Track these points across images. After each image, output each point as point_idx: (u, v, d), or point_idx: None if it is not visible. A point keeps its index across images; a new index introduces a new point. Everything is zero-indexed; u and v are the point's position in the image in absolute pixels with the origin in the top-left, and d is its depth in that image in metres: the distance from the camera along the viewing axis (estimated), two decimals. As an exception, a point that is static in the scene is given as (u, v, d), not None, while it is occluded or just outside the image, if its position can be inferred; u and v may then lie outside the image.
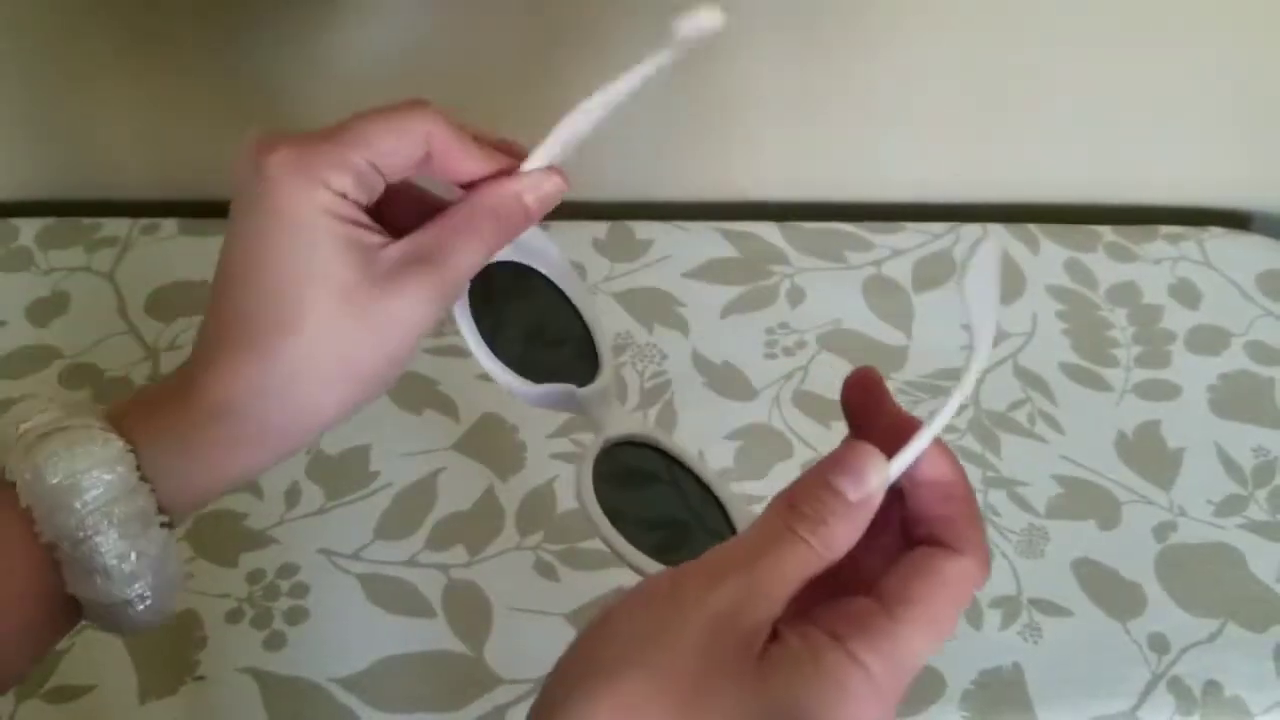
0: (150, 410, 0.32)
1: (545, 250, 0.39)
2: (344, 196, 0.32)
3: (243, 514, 0.57)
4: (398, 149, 0.33)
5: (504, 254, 0.35)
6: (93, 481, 0.29)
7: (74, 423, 0.31)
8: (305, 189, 0.31)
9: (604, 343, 0.38)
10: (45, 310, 0.67)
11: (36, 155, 0.75)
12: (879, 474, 0.28)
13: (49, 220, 0.73)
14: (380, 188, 0.33)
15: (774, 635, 0.27)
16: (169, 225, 0.73)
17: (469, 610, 0.54)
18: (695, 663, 0.25)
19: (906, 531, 0.29)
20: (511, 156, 0.35)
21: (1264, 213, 0.83)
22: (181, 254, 0.72)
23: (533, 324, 0.39)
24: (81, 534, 0.29)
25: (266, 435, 0.32)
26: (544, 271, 0.39)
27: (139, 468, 0.31)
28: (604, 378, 0.38)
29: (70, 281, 0.69)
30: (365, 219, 0.32)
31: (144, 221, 0.73)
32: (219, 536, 0.56)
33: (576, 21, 0.69)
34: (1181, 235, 0.78)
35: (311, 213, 0.31)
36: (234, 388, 0.32)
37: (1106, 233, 0.77)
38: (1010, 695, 0.53)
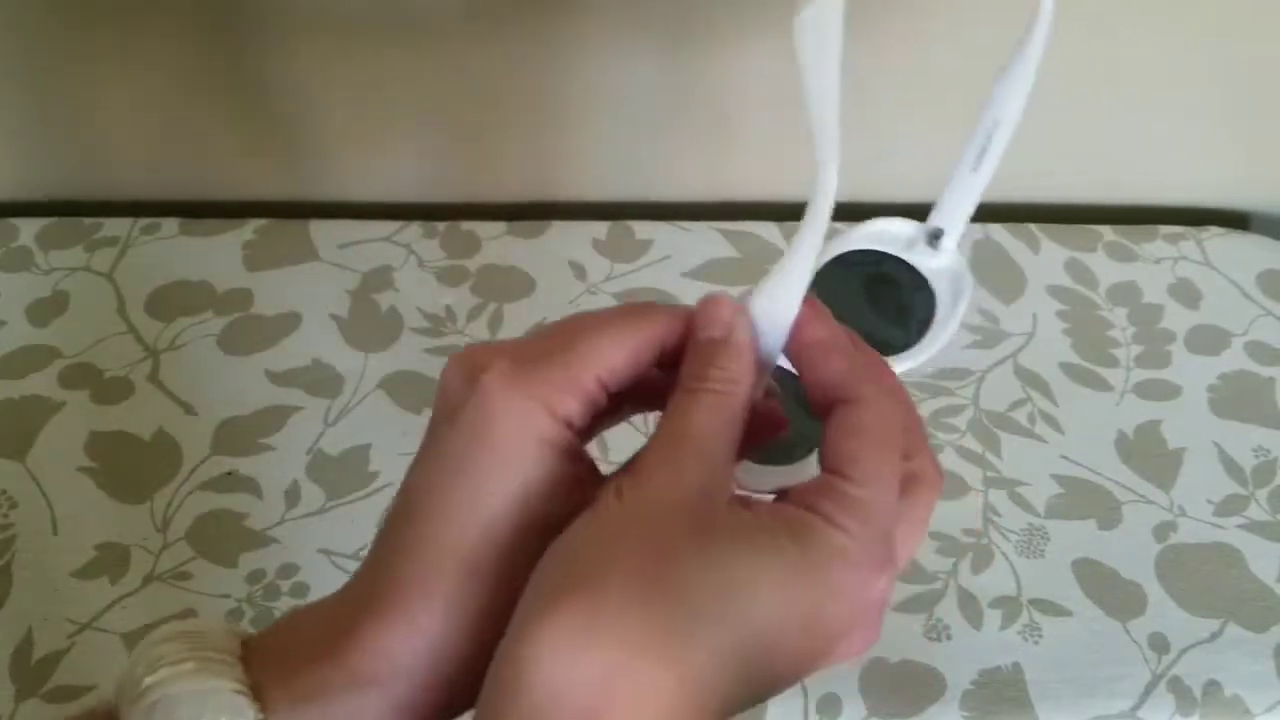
0: (293, 668, 0.27)
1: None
2: (569, 425, 0.27)
3: (243, 514, 0.57)
4: (631, 364, 0.28)
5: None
6: None
7: (204, 685, 0.26)
8: (526, 412, 0.26)
9: None
10: (45, 310, 0.67)
11: (36, 155, 0.75)
12: (729, 307, 0.29)
13: (49, 220, 0.73)
14: (604, 404, 0.28)
15: (746, 507, 0.26)
16: (169, 225, 0.73)
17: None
18: (643, 557, 0.24)
19: (817, 412, 0.29)
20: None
21: (1264, 213, 0.83)
22: (181, 254, 0.72)
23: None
24: None
25: (415, 708, 0.27)
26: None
27: None
28: None
29: (70, 281, 0.69)
30: (585, 452, 0.28)
31: (144, 221, 0.73)
32: (219, 536, 0.56)
33: (576, 35, 0.69)
34: (1181, 235, 0.78)
35: (529, 441, 0.26)
36: (395, 651, 0.26)
37: (1106, 232, 0.77)
38: (1010, 695, 0.53)
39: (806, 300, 0.29)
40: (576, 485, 0.27)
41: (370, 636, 0.26)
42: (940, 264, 0.37)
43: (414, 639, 0.26)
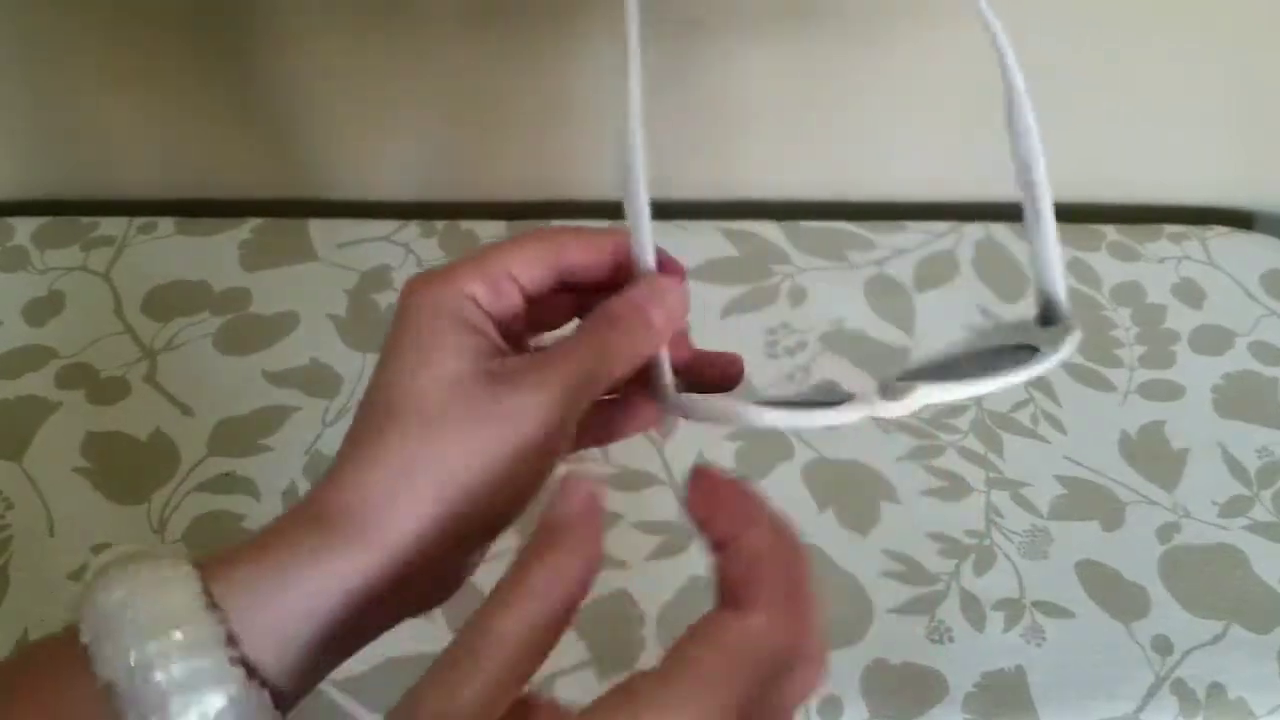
0: (260, 542, 0.29)
1: None
2: (473, 300, 0.31)
3: (241, 514, 0.57)
4: (537, 269, 0.33)
5: None
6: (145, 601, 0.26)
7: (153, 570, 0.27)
8: (434, 291, 0.31)
9: None
10: (41, 310, 0.67)
11: (32, 154, 0.75)
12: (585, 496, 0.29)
13: (45, 219, 0.73)
14: (517, 299, 0.32)
15: None
16: (166, 224, 0.73)
17: (469, 611, 0.53)
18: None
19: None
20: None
21: (1268, 212, 0.82)
22: (179, 253, 0.71)
23: None
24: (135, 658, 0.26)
25: (351, 537, 0.29)
26: None
27: (208, 592, 0.27)
28: None
29: (66, 281, 0.69)
30: (493, 329, 0.32)
31: (141, 220, 0.73)
32: (217, 537, 0.56)
33: (576, 35, 0.69)
34: (1185, 234, 0.77)
35: (436, 310, 0.31)
36: (330, 496, 0.29)
37: (1110, 232, 0.77)
38: (1013, 698, 0.52)
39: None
40: (496, 352, 0.31)
41: (350, 482, 0.29)
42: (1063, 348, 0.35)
43: (352, 476, 0.29)
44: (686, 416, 0.33)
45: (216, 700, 0.26)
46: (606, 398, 0.34)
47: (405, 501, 0.29)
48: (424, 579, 0.30)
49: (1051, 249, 0.35)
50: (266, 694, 0.27)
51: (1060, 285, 0.36)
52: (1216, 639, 0.55)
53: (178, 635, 0.26)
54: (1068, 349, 0.34)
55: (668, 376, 0.33)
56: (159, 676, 0.25)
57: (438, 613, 0.53)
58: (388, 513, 0.29)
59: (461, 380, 0.29)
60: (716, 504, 0.28)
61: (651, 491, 0.59)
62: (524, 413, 0.29)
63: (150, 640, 0.26)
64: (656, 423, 0.36)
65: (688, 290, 0.34)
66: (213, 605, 0.27)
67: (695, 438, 0.62)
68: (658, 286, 0.33)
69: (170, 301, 0.68)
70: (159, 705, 0.25)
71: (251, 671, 0.27)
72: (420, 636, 0.54)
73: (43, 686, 0.26)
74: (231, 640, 0.27)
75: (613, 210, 0.85)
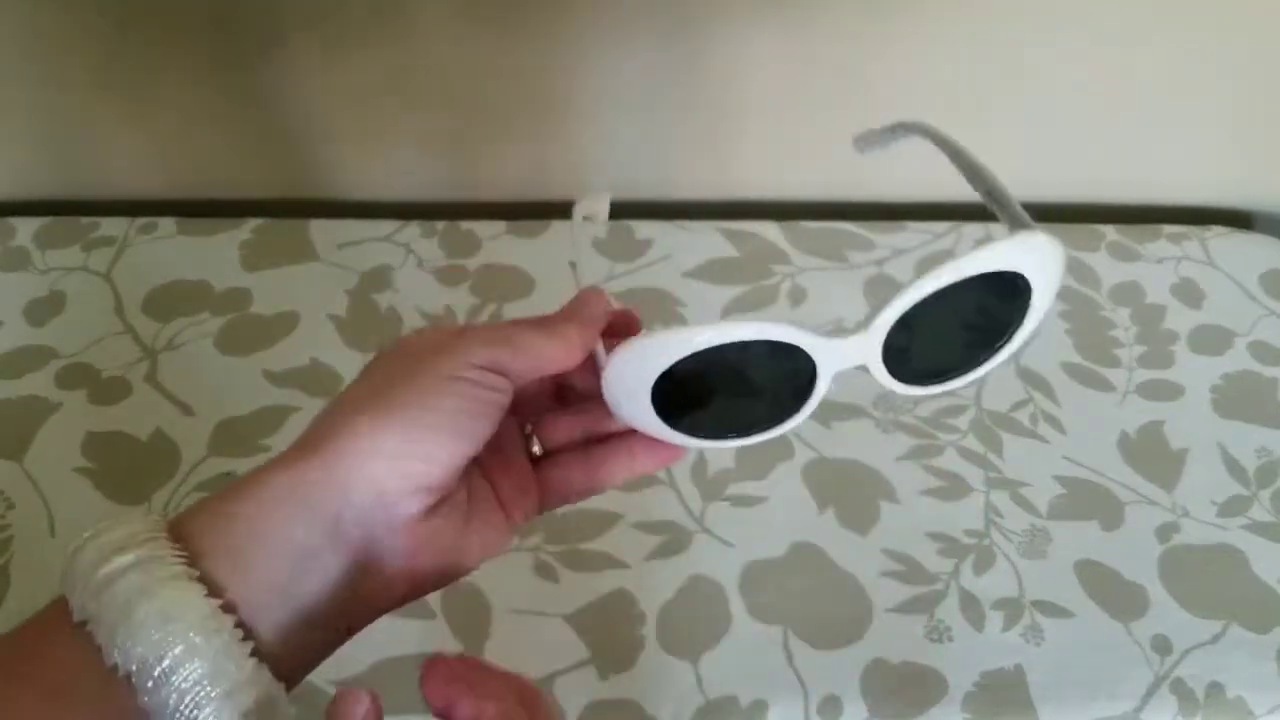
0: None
1: None
2: (471, 363, 0.31)
3: (241, 515, 0.57)
4: (531, 367, 0.32)
5: None
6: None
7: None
8: (439, 340, 0.31)
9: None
10: (42, 310, 0.67)
11: (34, 154, 0.75)
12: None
13: (46, 219, 0.73)
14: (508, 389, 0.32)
15: None
16: (167, 224, 0.73)
17: (469, 611, 0.54)
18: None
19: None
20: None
21: (1267, 212, 0.82)
22: (179, 253, 0.71)
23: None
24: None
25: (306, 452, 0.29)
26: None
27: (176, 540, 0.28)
28: None
29: (67, 281, 0.69)
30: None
31: (141, 221, 0.73)
32: (217, 537, 0.56)
33: (576, 36, 0.69)
34: (1184, 235, 0.77)
35: (437, 351, 0.31)
36: (375, 430, 0.29)
37: (1109, 232, 0.77)
38: (1012, 697, 0.52)
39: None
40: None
41: (347, 424, 0.29)
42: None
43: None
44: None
45: (242, 699, 0.26)
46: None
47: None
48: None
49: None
50: (265, 669, 0.28)
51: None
52: (1215, 638, 0.55)
53: (195, 638, 0.26)
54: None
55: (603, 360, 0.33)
56: (183, 672, 0.26)
57: (438, 613, 0.54)
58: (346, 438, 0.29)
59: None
60: (455, 692, 0.28)
61: (651, 491, 0.59)
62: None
63: (164, 639, 0.26)
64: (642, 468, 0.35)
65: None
66: (216, 593, 0.27)
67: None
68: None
69: (171, 301, 0.68)
70: (181, 704, 0.26)
71: (257, 652, 0.27)
72: (421, 637, 0.55)
73: (45, 671, 0.26)
74: (239, 625, 0.27)
75: (613, 210, 0.85)
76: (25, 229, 0.72)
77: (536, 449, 0.35)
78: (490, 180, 0.78)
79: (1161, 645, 0.54)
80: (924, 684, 0.52)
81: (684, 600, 0.55)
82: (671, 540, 0.57)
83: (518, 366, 0.31)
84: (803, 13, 0.69)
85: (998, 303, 0.34)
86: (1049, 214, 0.79)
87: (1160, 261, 0.75)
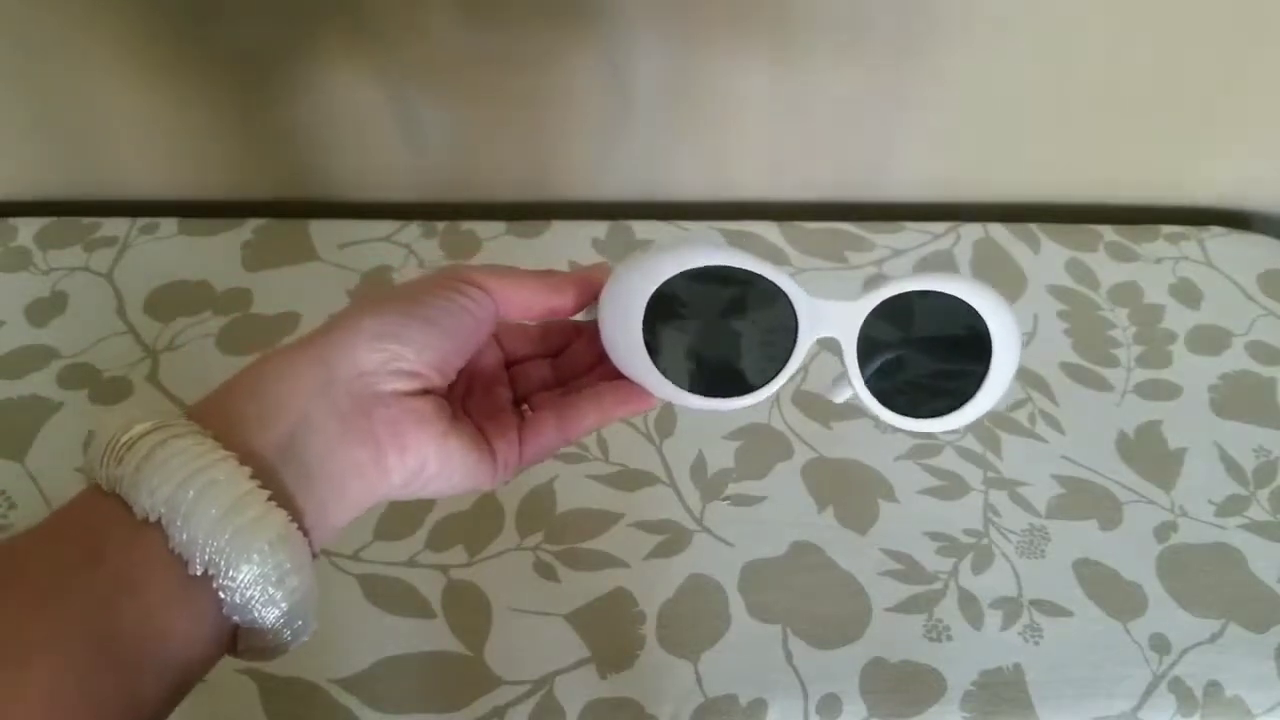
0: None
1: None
2: (459, 278, 0.34)
3: (242, 514, 0.57)
4: (518, 297, 0.35)
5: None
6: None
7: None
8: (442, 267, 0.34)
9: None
10: (44, 310, 0.67)
11: (35, 155, 0.75)
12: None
13: (47, 220, 0.73)
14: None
15: None
16: (168, 225, 0.73)
17: (469, 611, 0.54)
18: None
19: None
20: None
21: (1265, 212, 0.83)
22: (180, 254, 0.71)
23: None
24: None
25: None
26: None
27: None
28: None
29: (69, 281, 0.69)
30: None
31: (143, 221, 0.73)
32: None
33: (576, 37, 0.69)
34: (1182, 235, 0.77)
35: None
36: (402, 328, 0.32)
37: (1108, 232, 0.77)
38: (1011, 696, 0.52)
39: None
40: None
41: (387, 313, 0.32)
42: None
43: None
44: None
45: (264, 530, 0.28)
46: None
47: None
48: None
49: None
50: (281, 511, 0.29)
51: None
52: (1214, 637, 0.55)
53: (218, 475, 0.28)
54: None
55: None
56: (205, 507, 0.27)
57: (439, 613, 0.54)
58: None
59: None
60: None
61: (651, 491, 0.59)
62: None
63: (188, 480, 0.28)
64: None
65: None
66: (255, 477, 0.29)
67: (695, 438, 0.62)
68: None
69: (172, 301, 0.68)
70: (208, 542, 0.27)
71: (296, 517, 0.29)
72: (421, 636, 0.55)
73: (76, 533, 0.28)
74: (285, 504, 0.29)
75: (613, 211, 0.85)
76: (27, 229, 0.72)
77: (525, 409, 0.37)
78: (490, 180, 0.79)
79: (1160, 644, 0.55)
80: (923, 683, 0.53)
81: (684, 599, 0.55)
82: (671, 540, 0.57)
83: (505, 292, 0.34)
84: (804, 17, 0.69)
85: (964, 363, 0.34)
86: (1048, 214, 0.80)
87: (1158, 262, 0.75)
